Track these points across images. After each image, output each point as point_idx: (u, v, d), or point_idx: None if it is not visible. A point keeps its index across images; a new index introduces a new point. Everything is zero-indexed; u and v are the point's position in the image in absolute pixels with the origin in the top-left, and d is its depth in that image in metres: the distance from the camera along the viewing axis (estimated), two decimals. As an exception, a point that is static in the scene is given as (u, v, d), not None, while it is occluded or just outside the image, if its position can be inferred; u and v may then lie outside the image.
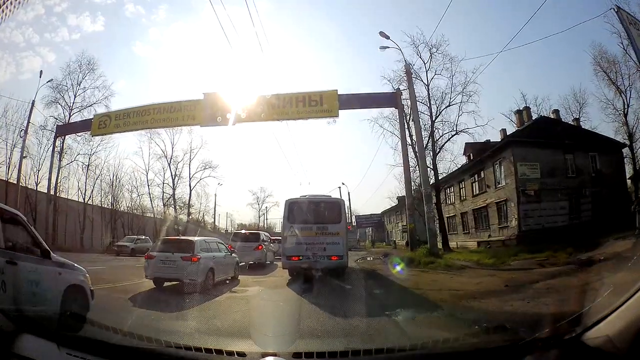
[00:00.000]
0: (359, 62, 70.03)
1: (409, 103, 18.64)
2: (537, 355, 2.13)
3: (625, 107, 22.80)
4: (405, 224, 42.21)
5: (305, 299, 7.66)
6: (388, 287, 10.14)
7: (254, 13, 48.10)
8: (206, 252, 9.96)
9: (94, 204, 34.36)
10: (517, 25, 49.19)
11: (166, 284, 9.50)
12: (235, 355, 2.52)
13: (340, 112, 17.97)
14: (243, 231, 21.87)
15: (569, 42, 48.95)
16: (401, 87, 19.52)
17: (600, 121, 53.67)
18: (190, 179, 38.82)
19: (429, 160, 24.04)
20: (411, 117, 18.46)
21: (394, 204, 46.42)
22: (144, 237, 27.62)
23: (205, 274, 9.42)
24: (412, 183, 30.56)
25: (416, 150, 19.76)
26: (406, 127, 19.71)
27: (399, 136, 23.69)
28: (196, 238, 10.62)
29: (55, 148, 26.33)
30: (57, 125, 27.85)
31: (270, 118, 17.84)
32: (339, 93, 17.75)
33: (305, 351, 2.53)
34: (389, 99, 18.89)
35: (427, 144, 23.01)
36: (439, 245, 20.02)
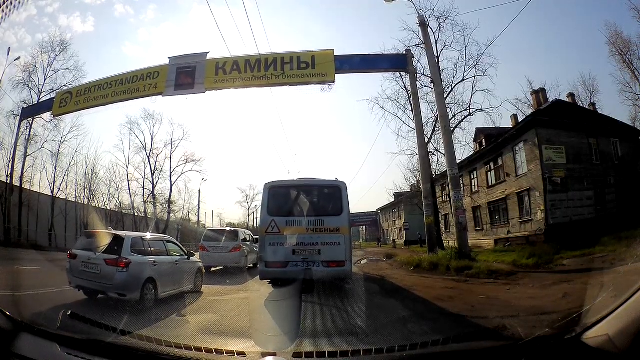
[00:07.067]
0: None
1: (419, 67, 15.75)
2: (537, 355, 2.14)
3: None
4: (405, 221, 40.36)
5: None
6: (430, 318, 5.90)
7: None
8: (143, 254, 7.40)
9: (67, 198, 31.25)
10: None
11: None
12: (236, 355, 2.58)
13: (338, 88, 14.95)
14: (217, 228, 18.89)
15: (579, 24, 46.98)
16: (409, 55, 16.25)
17: (612, 108, 52.17)
18: (171, 173, 35.78)
19: (433, 147, 21.51)
20: (432, 80, 15.27)
21: (389, 202, 44.71)
22: None
23: (140, 286, 6.88)
24: (412, 173, 28.61)
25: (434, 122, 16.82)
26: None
27: (405, 117, 21.36)
28: (128, 233, 8.01)
29: (23, 134, 24.01)
30: (23, 107, 24.83)
31: (249, 84, 14.76)
32: (335, 54, 14.80)
33: (305, 351, 2.56)
34: (398, 61, 16.06)
35: (435, 126, 20.43)
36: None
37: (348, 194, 8.80)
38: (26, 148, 25.29)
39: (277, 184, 9.21)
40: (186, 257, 8.82)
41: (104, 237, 7.39)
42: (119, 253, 6.84)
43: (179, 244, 9.42)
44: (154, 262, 7.47)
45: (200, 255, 13.85)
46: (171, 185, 35.98)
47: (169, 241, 8.96)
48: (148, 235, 8.54)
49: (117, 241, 7.12)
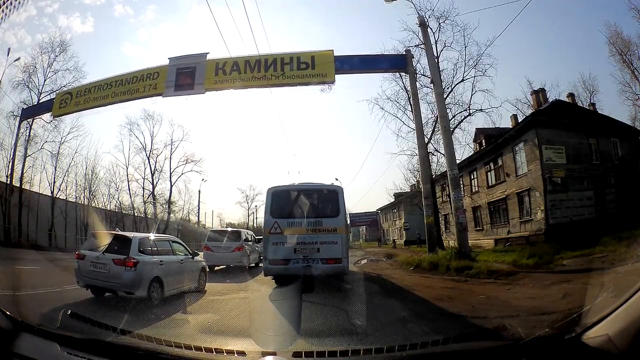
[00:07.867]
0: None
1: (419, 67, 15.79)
2: (537, 355, 2.14)
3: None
4: (405, 221, 40.34)
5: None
6: (430, 318, 5.89)
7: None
8: (150, 254, 7.67)
9: (67, 199, 31.29)
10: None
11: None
12: (235, 355, 2.58)
13: (337, 88, 15.00)
14: (220, 229, 19.08)
15: (579, 24, 46.98)
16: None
17: (612, 108, 52.14)
18: (171, 173, 35.83)
19: (433, 147, 21.52)
20: (431, 80, 15.28)
21: (389, 202, 44.76)
22: None
23: (147, 285, 7.13)
24: (412, 173, 28.58)
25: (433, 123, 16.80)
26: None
27: (404, 117, 21.36)
28: (135, 234, 8.24)
29: (23, 135, 24.07)
30: (23, 108, 24.84)
31: (249, 84, 14.86)
32: (335, 55, 14.82)
33: (305, 350, 2.56)
34: (397, 61, 16.10)
35: (435, 127, 20.42)
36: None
37: (344, 197, 9.55)
38: (26, 149, 25.36)
39: (280, 188, 9.92)
40: (191, 256, 9.09)
41: (112, 238, 7.59)
42: (126, 253, 7.07)
43: (184, 244, 9.63)
44: (160, 261, 7.72)
45: (204, 254, 14.02)
46: (171, 186, 36.14)
47: (174, 241, 9.25)
48: (154, 236, 8.81)
49: (125, 241, 7.34)
